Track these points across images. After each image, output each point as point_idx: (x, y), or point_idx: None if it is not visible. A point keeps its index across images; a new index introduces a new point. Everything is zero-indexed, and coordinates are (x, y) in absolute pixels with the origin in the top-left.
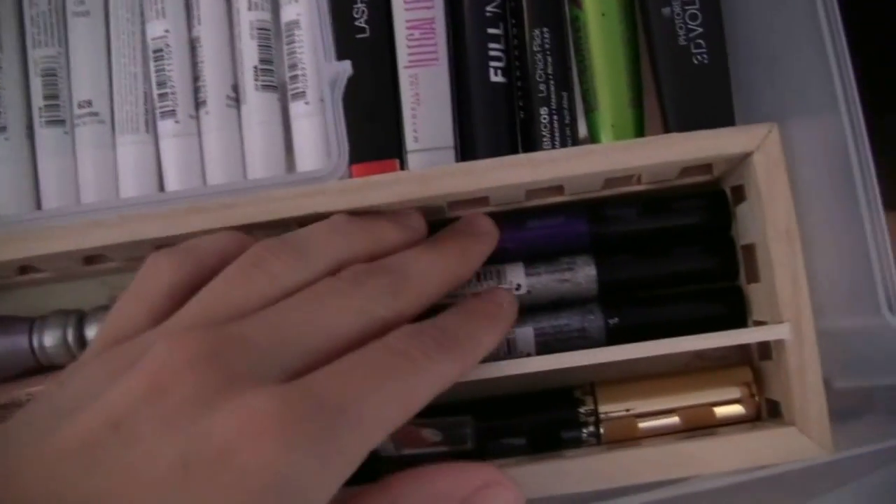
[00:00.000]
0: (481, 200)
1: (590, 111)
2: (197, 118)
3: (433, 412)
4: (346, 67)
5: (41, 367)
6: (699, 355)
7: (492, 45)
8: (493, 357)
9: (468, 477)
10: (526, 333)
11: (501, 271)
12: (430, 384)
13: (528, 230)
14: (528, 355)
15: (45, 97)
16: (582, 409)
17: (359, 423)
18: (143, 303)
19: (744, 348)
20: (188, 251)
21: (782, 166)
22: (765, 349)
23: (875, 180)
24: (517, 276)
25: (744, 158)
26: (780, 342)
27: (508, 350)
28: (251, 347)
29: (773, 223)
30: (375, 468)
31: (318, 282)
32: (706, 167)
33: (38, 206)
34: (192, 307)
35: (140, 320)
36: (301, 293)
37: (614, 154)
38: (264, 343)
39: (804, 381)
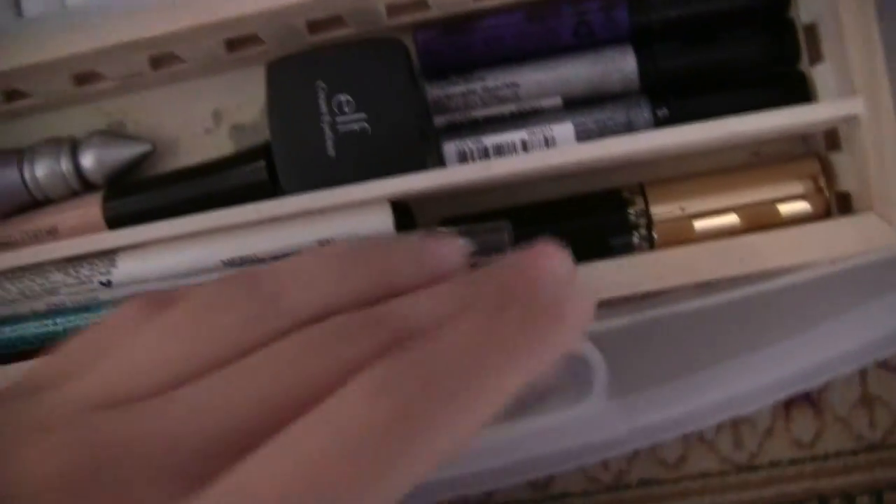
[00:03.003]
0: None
1: None
2: None
3: (466, 221)
4: None
5: (36, 201)
6: (756, 152)
7: None
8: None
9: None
10: (566, 130)
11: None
12: (406, 475)
13: (561, 17)
14: None
15: None
16: (631, 211)
17: None
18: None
19: (807, 143)
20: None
21: None
22: (833, 139)
23: None
24: (553, 72)
25: None
26: (853, 119)
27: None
28: (141, 448)
29: None
30: None
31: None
32: None
33: (20, 12)
34: (105, 367)
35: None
36: (255, 355)
37: None
38: (165, 435)
39: (883, 158)
